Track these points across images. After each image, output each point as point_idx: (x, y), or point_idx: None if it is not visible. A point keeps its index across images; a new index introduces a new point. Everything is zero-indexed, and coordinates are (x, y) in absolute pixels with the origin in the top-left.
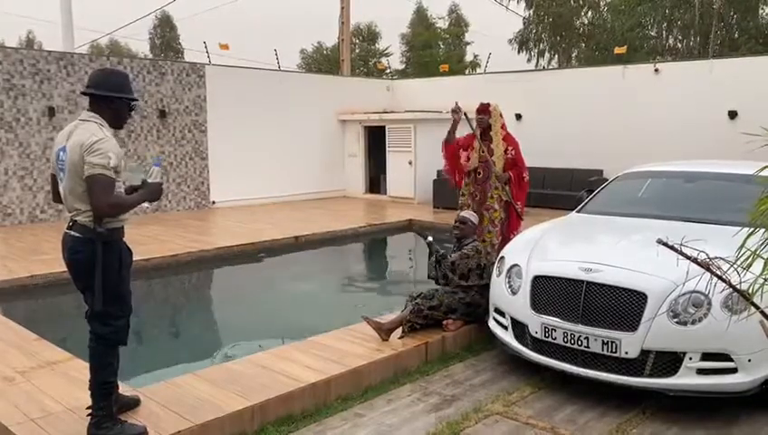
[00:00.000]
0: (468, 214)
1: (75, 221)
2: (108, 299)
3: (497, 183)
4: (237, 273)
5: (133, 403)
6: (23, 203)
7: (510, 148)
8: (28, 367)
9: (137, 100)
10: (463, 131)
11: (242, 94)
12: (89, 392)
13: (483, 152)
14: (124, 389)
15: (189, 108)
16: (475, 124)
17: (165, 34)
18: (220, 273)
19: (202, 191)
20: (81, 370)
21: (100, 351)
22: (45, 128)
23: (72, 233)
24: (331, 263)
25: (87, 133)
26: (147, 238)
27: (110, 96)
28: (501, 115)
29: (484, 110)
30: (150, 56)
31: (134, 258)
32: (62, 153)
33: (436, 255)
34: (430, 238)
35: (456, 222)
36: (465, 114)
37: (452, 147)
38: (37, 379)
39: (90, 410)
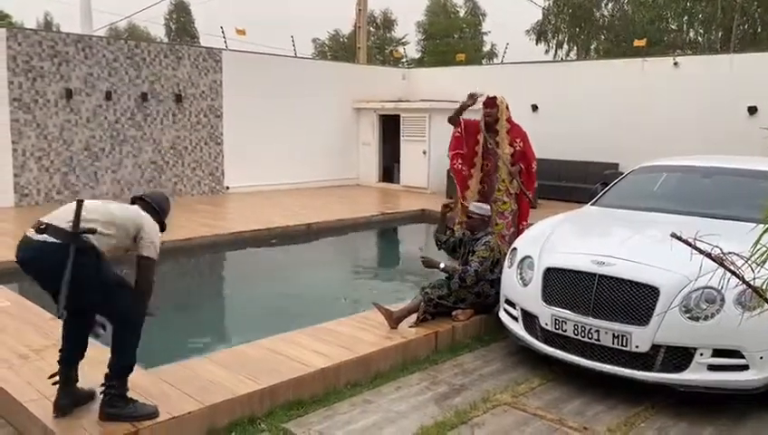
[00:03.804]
0: (476, 207)
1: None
2: (114, 291)
3: (504, 175)
4: (250, 258)
5: (88, 397)
6: (39, 184)
7: (518, 139)
8: (43, 345)
9: (164, 228)
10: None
11: (258, 80)
12: (104, 371)
13: (490, 145)
14: (135, 369)
15: (205, 93)
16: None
17: (180, 18)
18: (233, 257)
19: (216, 176)
20: (94, 349)
21: (128, 333)
22: (63, 110)
23: (44, 238)
24: (342, 250)
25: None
26: None
27: (157, 212)
28: (507, 108)
29: (491, 104)
30: (165, 41)
31: None
32: None
33: (459, 274)
34: (443, 264)
35: (466, 214)
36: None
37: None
38: (51, 357)
39: (102, 388)
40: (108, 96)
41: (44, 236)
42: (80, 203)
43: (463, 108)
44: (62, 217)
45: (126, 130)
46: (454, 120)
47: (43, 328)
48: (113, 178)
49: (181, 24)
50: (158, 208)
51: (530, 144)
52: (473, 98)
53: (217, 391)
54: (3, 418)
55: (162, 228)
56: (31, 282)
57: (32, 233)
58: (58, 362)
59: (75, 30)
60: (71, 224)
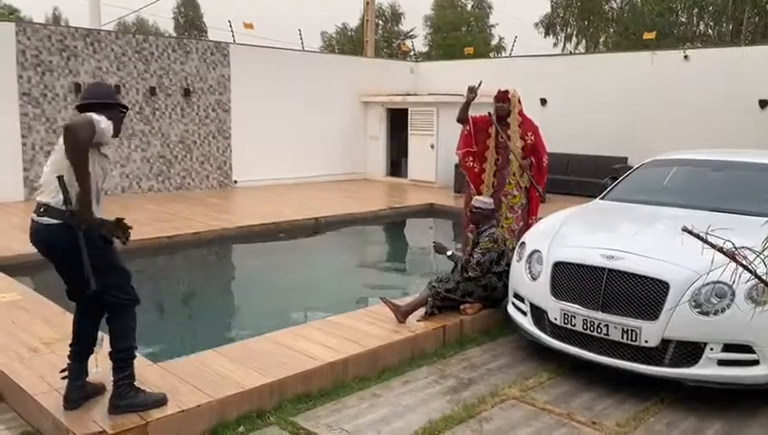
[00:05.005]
0: (479, 201)
1: (48, 205)
2: (103, 271)
3: (515, 169)
4: (258, 252)
5: (98, 391)
6: None
7: (529, 133)
8: (53, 338)
9: (127, 108)
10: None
11: (266, 74)
12: (111, 364)
13: (501, 138)
14: (144, 362)
15: (213, 87)
16: (492, 111)
17: (189, 13)
18: (241, 251)
19: (224, 170)
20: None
21: (121, 318)
22: (72, 104)
23: (47, 221)
24: (350, 244)
25: None
26: (169, 216)
27: (105, 103)
28: (519, 101)
29: (503, 98)
30: (173, 35)
31: (156, 235)
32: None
33: (460, 263)
34: (450, 252)
35: (470, 209)
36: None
37: (466, 153)
38: (62, 350)
39: (113, 381)
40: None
41: (46, 218)
42: (60, 178)
43: (467, 104)
44: (49, 192)
45: (134, 124)
46: (462, 119)
47: (53, 321)
48: (122, 173)
49: (189, 19)
50: (92, 102)
51: (541, 138)
52: (473, 91)
53: (226, 385)
54: (14, 410)
55: (123, 108)
56: (42, 276)
57: (35, 216)
58: (68, 356)
59: (84, 24)
60: (62, 201)
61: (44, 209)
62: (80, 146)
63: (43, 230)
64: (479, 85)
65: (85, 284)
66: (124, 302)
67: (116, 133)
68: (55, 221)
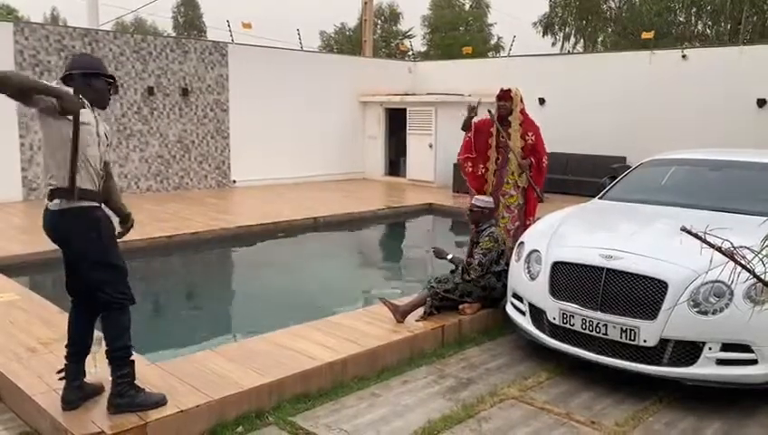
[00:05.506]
0: (478, 200)
1: (50, 189)
2: (99, 268)
3: (514, 168)
4: (257, 252)
5: (97, 391)
6: None
7: (530, 133)
8: (51, 339)
9: (114, 78)
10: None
11: (264, 74)
12: (108, 364)
13: (502, 138)
14: (143, 362)
15: (212, 87)
16: (494, 110)
17: (189, 13)
18: (240, 251)
19: (223, 170)
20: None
21: (115, 317)
22: None
23: (53, 206)
24: (349, 244)
25: None
26: (168, 215)
27: (90, 73)
28: (521, 100)
29: (505, 96)
30: (173, 35)
31: (156, 235)
32: None
33: (461, 265)
34: (450, 255)
35: (468, 209)
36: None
37: (467, 158)
38: (59, 350)
39: (112, 380)
40: (114, 90)
41: (52, 203)
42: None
43: (469, 118)
44: (47, 176)
45: (133, 124)
46: (466, 127)
47: (51, 321)
48: (120, 172)
49: (188, 18)
50: (76, 73)
51: (542, 138)
52: (473, 110)
53: (225, 385)
54: (12, 411)
55: (109, 78)
56: (40, 276)
57: (46, 201)
58: (65, 357)
59: (82, 24)
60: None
61: (50, 192)
62: (8, 78)
63: (48, 217)
64: (478, 104)
65: (84, 275)
66: (119, 300)
67: (103, 105)
68: (56, 206)
